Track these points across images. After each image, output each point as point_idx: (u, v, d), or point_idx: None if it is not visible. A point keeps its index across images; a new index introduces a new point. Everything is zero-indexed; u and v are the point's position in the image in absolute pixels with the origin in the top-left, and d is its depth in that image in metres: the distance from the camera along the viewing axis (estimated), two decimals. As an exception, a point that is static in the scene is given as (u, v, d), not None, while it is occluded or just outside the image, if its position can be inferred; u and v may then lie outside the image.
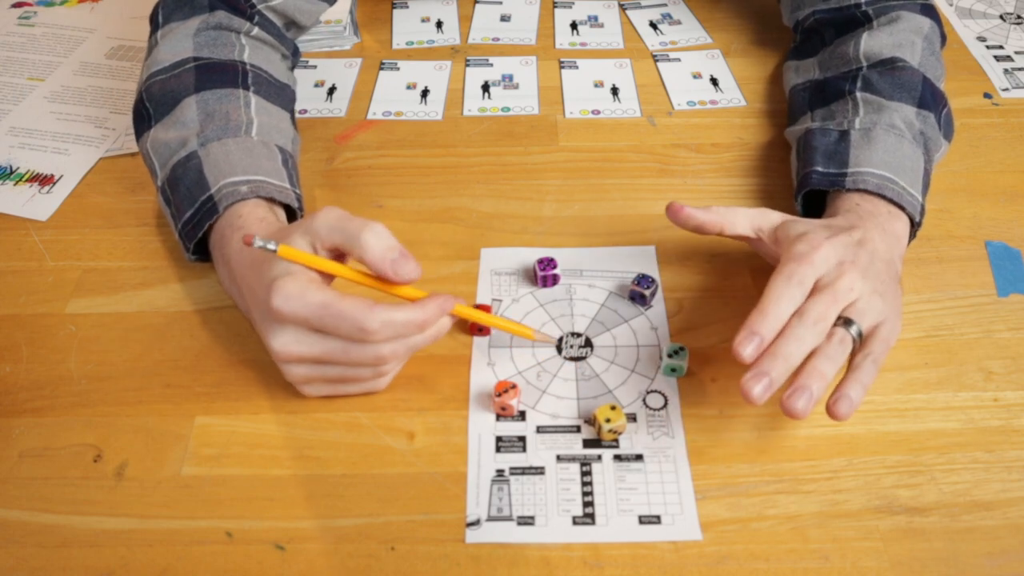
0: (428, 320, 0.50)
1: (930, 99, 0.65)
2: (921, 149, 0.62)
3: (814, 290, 0.51)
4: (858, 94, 0.65)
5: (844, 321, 0.50)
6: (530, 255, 0.64)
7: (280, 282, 0.47)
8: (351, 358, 0.50)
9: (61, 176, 0.72)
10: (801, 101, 0.71)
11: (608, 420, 0.51)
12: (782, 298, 0.49)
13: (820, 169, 0.61)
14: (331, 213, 0.50)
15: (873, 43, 0.68)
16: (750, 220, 0.57)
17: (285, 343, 0.49)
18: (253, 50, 0.68)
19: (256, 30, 0.69)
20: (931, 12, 0.71)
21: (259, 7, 0.70)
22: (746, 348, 0.48)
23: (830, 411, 0.48)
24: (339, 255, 0.51)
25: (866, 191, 0.58)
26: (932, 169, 0.64)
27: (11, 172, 0.73)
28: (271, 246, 0.48)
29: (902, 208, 0.58)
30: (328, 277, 0.51)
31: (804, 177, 0.62)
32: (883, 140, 0.61)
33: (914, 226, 0.60)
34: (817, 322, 0.49)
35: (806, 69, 0.74)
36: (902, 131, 0.62)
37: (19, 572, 0.47)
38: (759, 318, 0.49)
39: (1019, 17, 0.91)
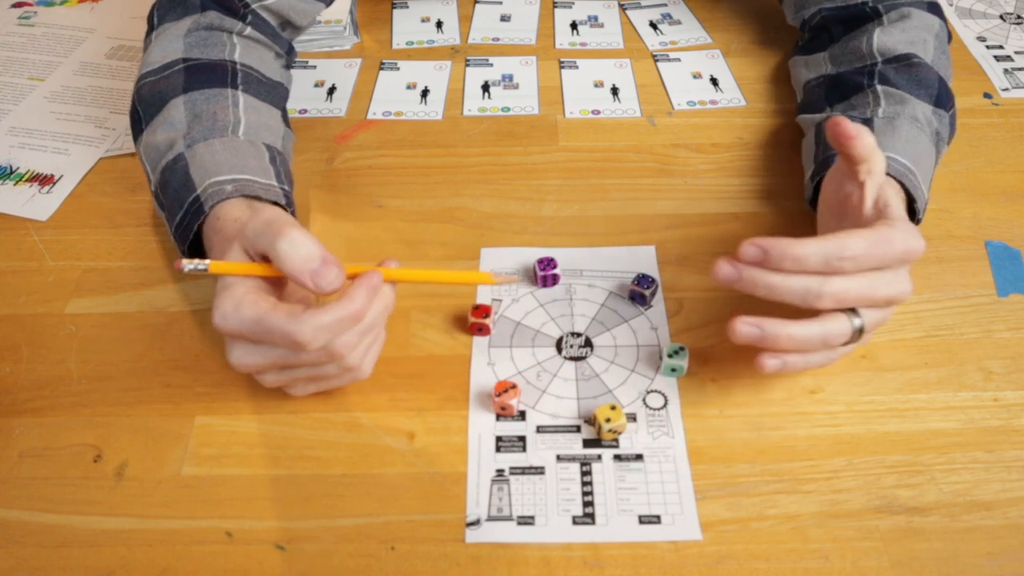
0: (361, 309, 0.48)
1: (945, 98, 0.64)
2: (934, 147, 0.62)
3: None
4: (878, 87, 0.65)
5: (852, 309, 0.49)
6: (530, 255, 0.64)
7: (218, 299, 0.48)
8: (305, 361, 0.50)
9: (61, 176, 0.72)
10: (817, 96, 0.70)
11: (608, 420, 0.51)
12: (848, 248, 0.47)
13: None
14: (260, 217, 0.49)
15: (887, 39, 0.68)
16: (872, 149, 0.51)
17: (238, 356, 0.49)
18: (244, 49, 0.68)
19: (249, 30, 0.69)
20: (938, 10, 0.71)
21: (252, 6, 0.69)
22: (745, 251, 0.47)
23: (757, 360, 0.49)
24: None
25: (889, 175, 0.57)
26: (935, 171, 0.64)
27: (11, 172, 0.73)
28: (201, 267, 0.48)
29: (912, 202, 0.58)
30: (276, 280, 0.50)
31: (825, 160, 0.61)
32: (906, 130, 0.61)
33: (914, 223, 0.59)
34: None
35: (816, 64, 0.74)
36: (922, 125, 0.62)
37: (19, 572, 0.47)
38: (809, 249, 0.47)
39: (1019, 17, 0.91)
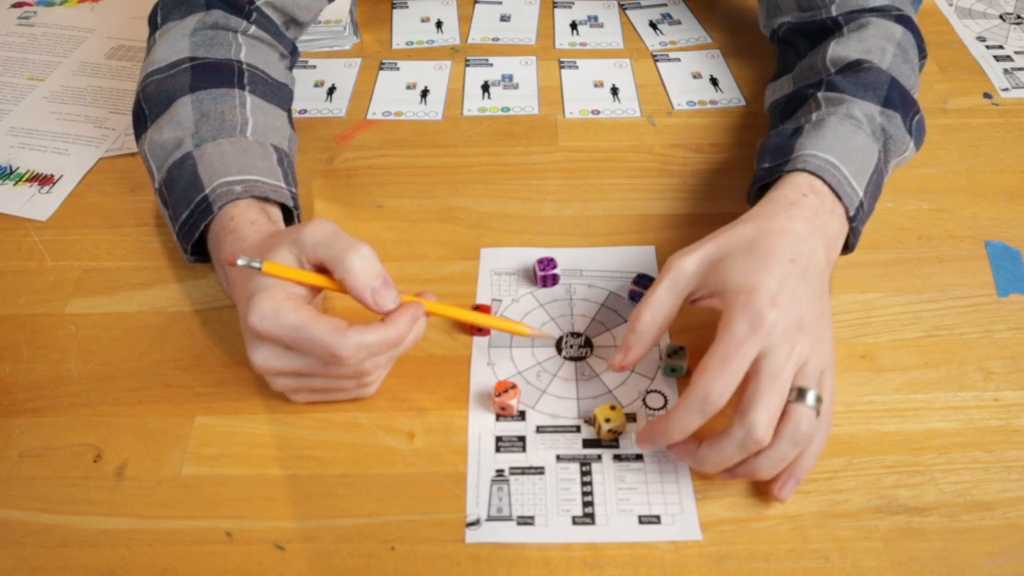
0: (402, 335, 0.49)
1: (898, 100, 0.61)
2: (878, 145, 0.59)
3: (759, 381, 0.46)
4: (819, 94, 0.63)
5: (797, 393, 0.46)
6: (530, 255, 0.64)
7: (256, 299, 0.47)
8: (330, 373, 0.50)
9: (61, 176, 0.72)
10: (775, 117, 0.69)
11: (608, 420, 0.51)
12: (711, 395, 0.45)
13: (766, 165, 0.59)
14: (320, 228, 0.49)
15: (840, 49, 0.65)
16: (676, 297, 0.51)
17: (264, 358, 0.49)
18: (250, 49, 0.68)
19: (253, 28, 0.69)
20: (906, 22, 0.68)
21: (257, 4, 0.69)
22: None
23: (776, 495, 0.49)
24: (325, 268, 0.50)
25: (804, 170, 0.55)
26: (888, 171, 0.61)
27: (11, 172, 0.73)
28: (255, 264, 0.48)
29: (838, 198, 0.55)
30: (315, 290, 0.50)
31: (754, 177, 0.60)
32: (835, 127, 0.58)
33: (851, 227, 0.56)
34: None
35: (781, 86, 0.71)
36: (859, 122, 0.59)
37: (19, 572, 0.47)
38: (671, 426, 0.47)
39: (1019, 17, 0.91)
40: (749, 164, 0.72)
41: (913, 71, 0.66)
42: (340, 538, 0.48)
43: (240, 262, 0.48)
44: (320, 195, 0.70)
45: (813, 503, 0.49)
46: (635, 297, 0.60)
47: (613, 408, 0.52)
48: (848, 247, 0.57)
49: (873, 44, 0.65)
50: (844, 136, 0.58)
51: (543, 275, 0.61)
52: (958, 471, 0.51)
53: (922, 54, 0.69)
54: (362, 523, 0.49)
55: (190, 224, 0.57)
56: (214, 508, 0.50)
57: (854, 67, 0.64)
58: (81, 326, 0.60)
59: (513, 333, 0.56)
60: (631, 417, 0.53)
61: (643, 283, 0.60)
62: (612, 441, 0.52)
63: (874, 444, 0.52)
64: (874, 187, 0.58)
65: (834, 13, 0.69)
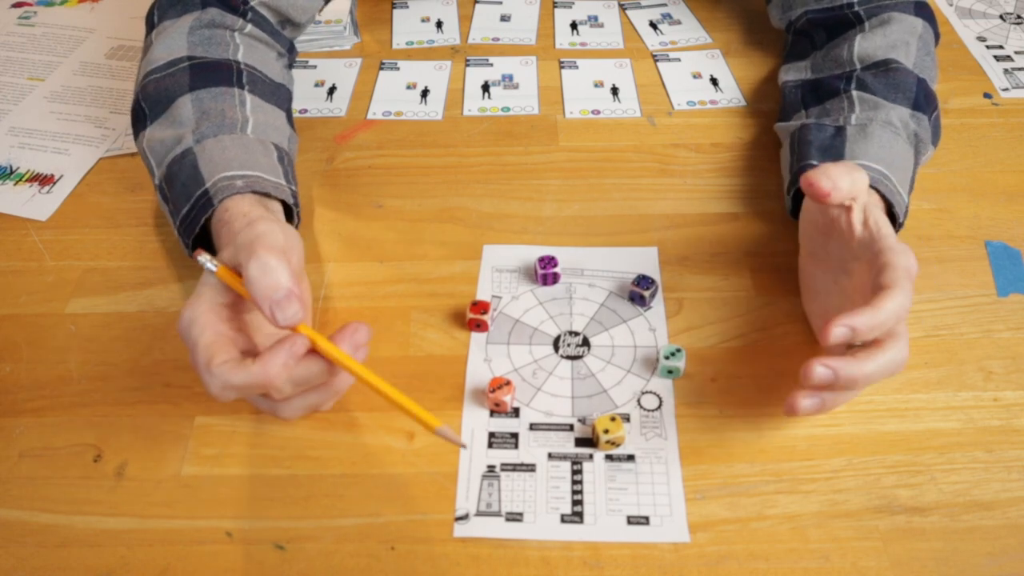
0: (272, 378, 0.45)
1: (923, 101, 0.64)
2: (913, 150, 0.62)
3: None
4: (853, 92, 0.65)
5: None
6: (532, 253, 0.64)
7: (188, 301, 0.48)
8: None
9: (61, 176, 0.72)
10: (794, 98, 0.71)
11: (607, 431, 0.51)
12: (897, 313, 0.47)
13: (815, 163, 0.60)
14: (252, 229, 0.48)
15: (867, 45, 0.68)
16: (851, 185, 0.50)
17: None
18: (247, 49, 0.68)
19: (249, 27, 0.69)
20: (924, 11, 0.71)
21: (252, 3, 0.69)
22: (836, 333, 0.46)
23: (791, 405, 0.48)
24: None
25: None
26: (917, 173, 0.63)
27: (11, 172, 0.73)
28: (210, 266, 0.48)
29: (889, 206, 0.57)
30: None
31: (799, 171, 0.61)
32: (879, 135, 0.61)
33: (896, 227, 0.59)
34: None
35: (797, 71, 0.74)
36: (898, 129, 0.62)
37: (19, 572, 0.47)
38: (869, 318, 0.46)
39: (1019, 17, 0.91)
40: (749, 164, 0.72)
41: (934, 61, 0.69)
42: (340, 538, 0.48)
43: (199, 259, 0.48)
44: (320, 195, 0.70)
45: (813, 503, 0.49)
46: (634, 298, 0.60)
47: (613, 419, 0.52)
48: None
49: (898, 39, 0.68)
50: (887, 144, 0.60)
51: (543, 273, 0.61)
52: (958, 471, 0.51)
53: (937, 38, 0.72)
54: (362, 523, 0.49)
55: (191, 219, 0.57)
56: (214, 508, 0.50)
57: (882, 66, 0.66)
58: (81, 326, 0.60)
59: (424, 425, 0.47)
60: (625, 417, 0.53)
61: (643, 284, 0.60)
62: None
63: (874, 444, 0.52)
64: (910, 189, 0.61)
65: (856, 5, 0.71)
